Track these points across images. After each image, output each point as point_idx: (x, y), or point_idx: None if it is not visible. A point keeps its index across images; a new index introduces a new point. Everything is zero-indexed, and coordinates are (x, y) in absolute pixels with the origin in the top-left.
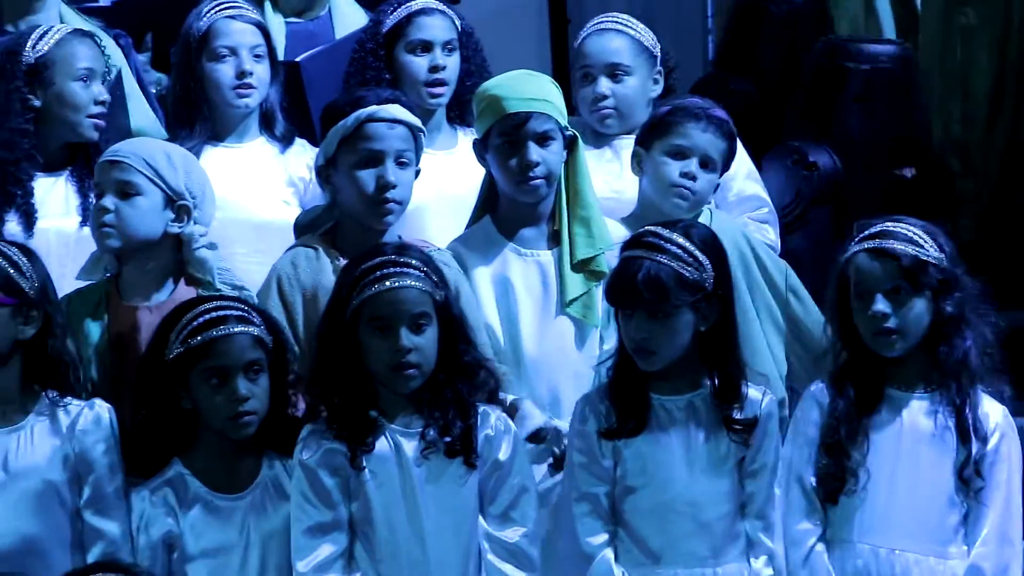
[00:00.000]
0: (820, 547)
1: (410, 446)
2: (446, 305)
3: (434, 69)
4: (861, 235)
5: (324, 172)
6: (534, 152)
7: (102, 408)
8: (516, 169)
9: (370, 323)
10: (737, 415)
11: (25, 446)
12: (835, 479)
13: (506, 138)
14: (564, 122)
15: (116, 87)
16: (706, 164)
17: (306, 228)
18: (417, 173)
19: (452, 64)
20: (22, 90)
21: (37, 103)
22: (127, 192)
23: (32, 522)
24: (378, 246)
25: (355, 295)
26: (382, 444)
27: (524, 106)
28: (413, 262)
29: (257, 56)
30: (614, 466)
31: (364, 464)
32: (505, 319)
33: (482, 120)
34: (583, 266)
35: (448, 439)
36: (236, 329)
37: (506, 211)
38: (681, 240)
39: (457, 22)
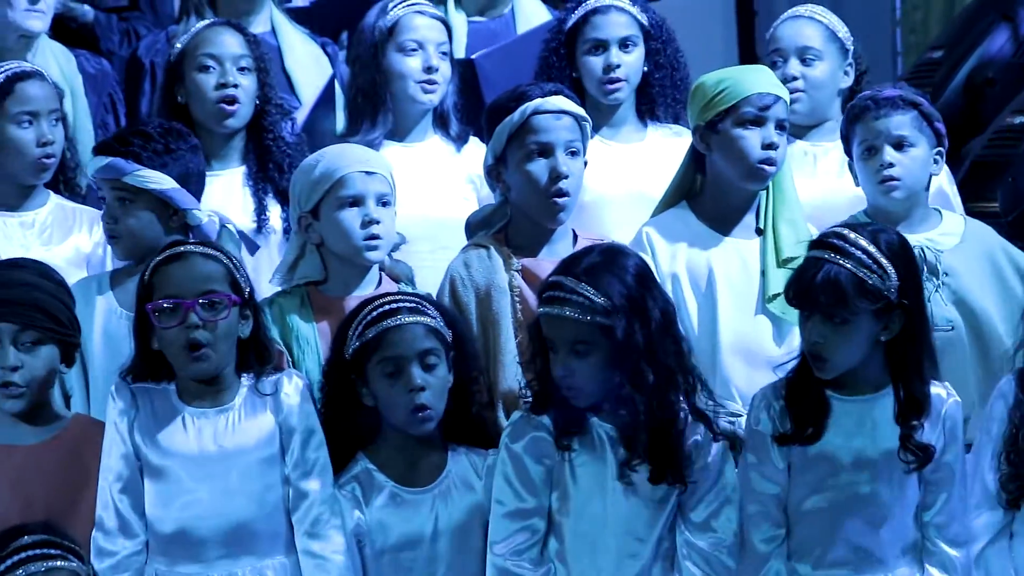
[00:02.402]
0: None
1: (615, 442)
2: (614, 329)
3: (608, 68)
4: None
5: (494, 170)
6: (775, 136)
7: (299, 377)
8: (756, 150)
9: (543, 337)
10: (917, 435)
11: (236, 424)
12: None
13: (750, 117)
14: None
15: (326, 91)
16: (900, 145)
17: (478, 227)
18: (584, 164)
19: (630, 61)
20: (168, 89)
21: (180, 100)
22: (385, 202)
23: (243, 500)
24: (563, 262)
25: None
26: (587, 436)
27: (775, 89)
28: (578, 289)
29: (443, 53)
30: (787, 467)
31: (569, 455)
32: (704, 306)
33: (721, 99)
34: (786, 264)
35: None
36: (408, 319)
37: (712, 200)
38: (866, 244)
39: (641, 17)
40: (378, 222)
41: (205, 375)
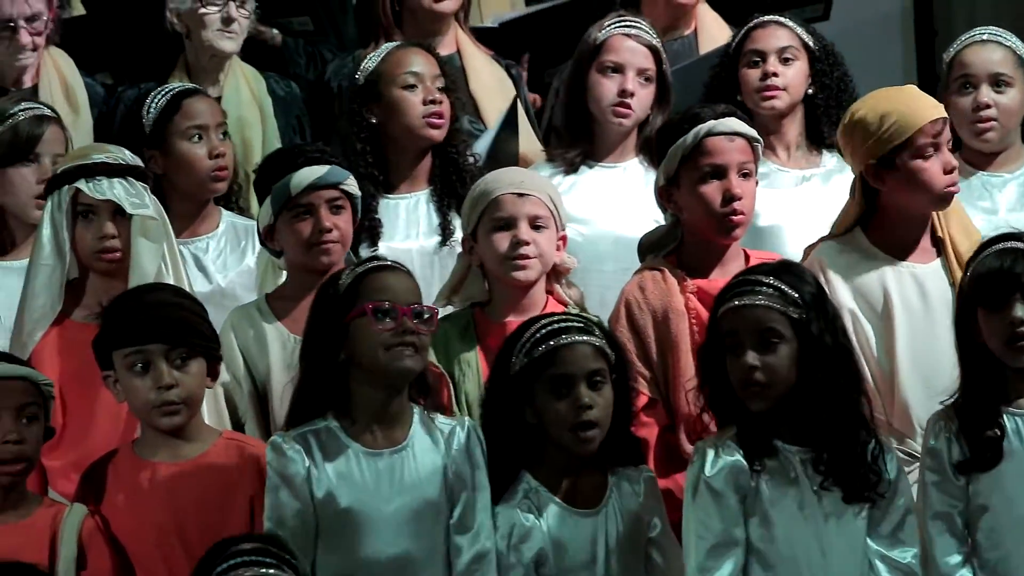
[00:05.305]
0: None
1: (804, 463)
2: (807, 323)
3: (764, 76)
4: None
5: (666, 192)
6: (952, 157)
7: (474, 427)
8: (940, 179)
9: (725, 338)
10: None
11: (409, 465)
12: None
13: (926, 148)
14: None
15: (509, 115)
16: None
17: (650, 248)
18: (756, 184)
19: (789, 73)
20: (357, 111)
21: (373, 120)
22: (539, 225)
23: (412, 539)
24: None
25: (716, 313)
26: (778, 461)
27: (938, 113)
28: (766, 280)
29: (646, 79)
30: (967, 484)
31: (763, 481)
32: (881, 334)
33: (888, 137)
34: None
35: (840, 477)
36: (578, 338)
37: (888, 228)
38: None
39: (804, 36)
40: (527, 243)
41: (408, 376)
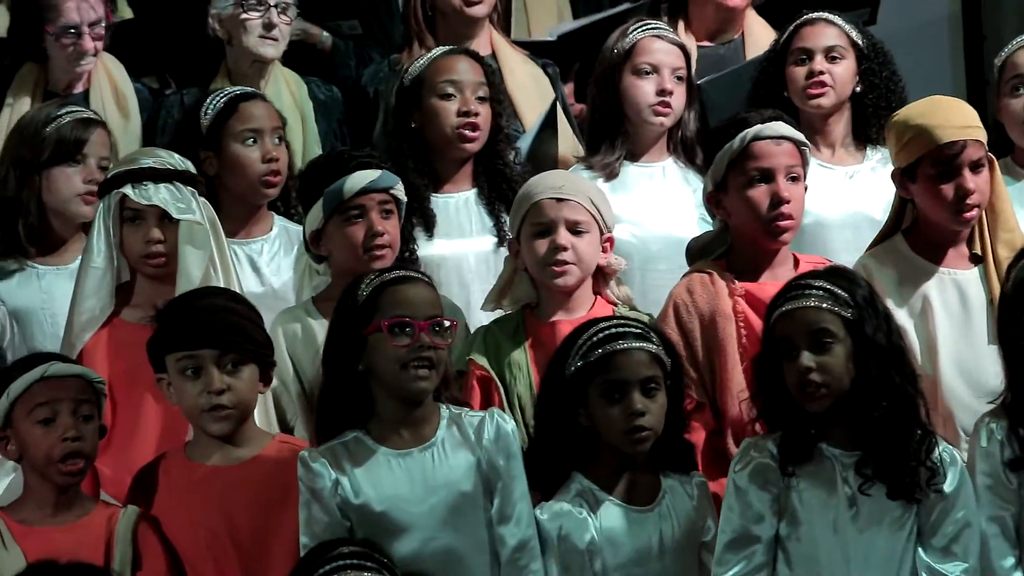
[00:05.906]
0: None
1: (847, 468)
2: (859, 323)
3: (811, 74)
4: None
5: (714, 197)
6: (970, 181)
7: (503, 418)
8: (952, 199)
9: (779, 344)
10: None
11: (440, 460)
12: None
13: (941, 168)
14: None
15: (549, 116)
16: None
17: (699, 252)
18: (805, 188)
19: (837, 71)
20: (400, 115)
21: (414, 125)
22: (578, 230)
23: (454, 534)
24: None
25: (769, 321)
26: (819, 465)
27: (960, 134)
28: (816, 283)
29: (678, 78)
30: (1018, 486)
31: (796, 481)
32: (922, 339)
33: (908, 149)
34: None
35: (887, 472)
36: (634, 344)
37: (926, 233)
38: None
39: (853, 34)
40: (565, 249)
41: (422, 395)
